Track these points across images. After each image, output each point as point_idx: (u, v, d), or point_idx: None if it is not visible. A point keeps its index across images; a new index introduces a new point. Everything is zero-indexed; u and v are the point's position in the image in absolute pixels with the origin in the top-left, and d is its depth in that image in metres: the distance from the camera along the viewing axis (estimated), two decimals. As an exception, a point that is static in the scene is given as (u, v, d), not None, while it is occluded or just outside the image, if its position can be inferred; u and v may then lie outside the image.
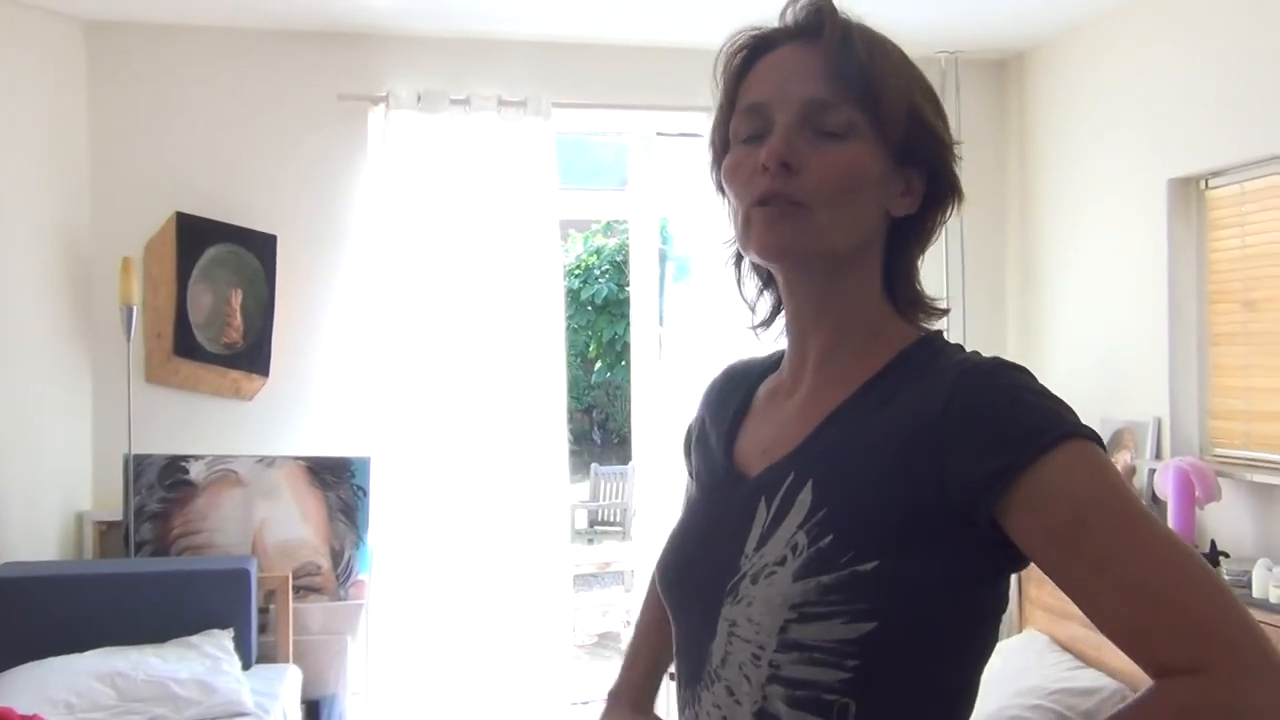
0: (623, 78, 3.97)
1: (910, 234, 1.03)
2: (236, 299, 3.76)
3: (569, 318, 8.91)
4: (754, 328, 1.12)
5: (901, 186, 1.00)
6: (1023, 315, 4.14)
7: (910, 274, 1.05)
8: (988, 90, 4.19)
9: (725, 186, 1.02)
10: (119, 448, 3.55)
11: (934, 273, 4.23)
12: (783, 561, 0.92)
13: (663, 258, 4.30)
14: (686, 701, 1.02)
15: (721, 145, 1.04)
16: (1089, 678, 3.05)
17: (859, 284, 1.01)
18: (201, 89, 3.77)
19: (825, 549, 0.90)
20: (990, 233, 4.20)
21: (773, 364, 1.11)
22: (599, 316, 10.66)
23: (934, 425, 0.90)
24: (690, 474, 1.17)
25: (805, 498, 0.94)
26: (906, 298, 1.04)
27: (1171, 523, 3.00)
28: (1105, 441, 3.70)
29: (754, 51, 1.01)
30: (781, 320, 1.08)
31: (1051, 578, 0.87)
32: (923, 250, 1.05)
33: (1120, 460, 3.44)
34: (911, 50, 1.01)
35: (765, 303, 1.11)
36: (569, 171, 4.52)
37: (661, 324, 4.26)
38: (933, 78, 4.57)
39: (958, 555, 0.90)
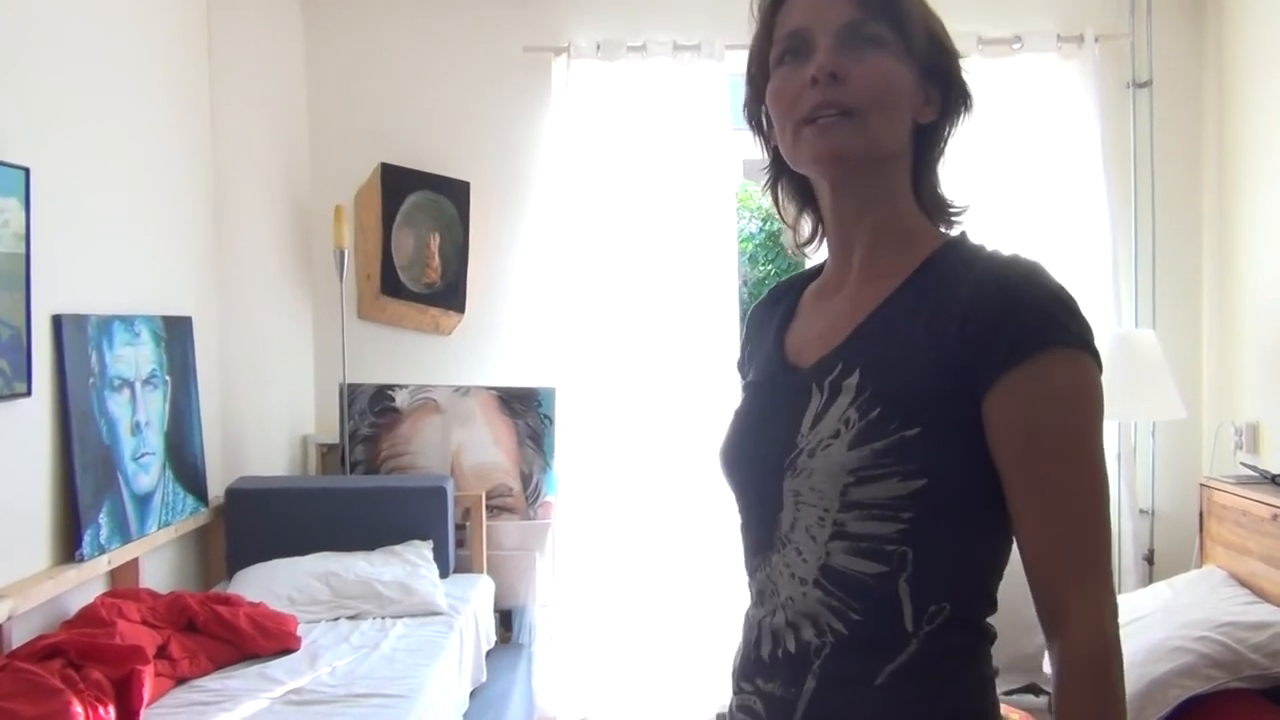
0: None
1: (929, 141, 1.14)
2: (435, 242, 4.09)
3: (771, 261, 8.96)
4: (799, 247, 1.24)
5: (923, 97, 1.11)
6: (1219, 251, 3.94)
7: (933, 178, 1.15)
8: (1183, 12, 3.99)
9: (770, 110, 1.13)
10: (335, 378, 3.95)
11: (1123, 207, 4.01)
12: (836, 435, 1.04)
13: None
14: (756, 566, 1.14)
15: (761, 76, 1.15)
16: (1263, 612, 2.95)
17: (895, 188, 1.13)
18: (402, 50, 4.10)
19: (875, 420, 1.02)
20: (1184, 172, 4.00)
21: (813, 274, 1.23)
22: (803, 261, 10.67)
23: (959, 320, 1.02)
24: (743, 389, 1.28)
25: (853, 381, 1.05)
26: (931, 200, 1.16)
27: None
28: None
29: None
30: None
31: (1001, 473, 1.02)
32: (940, 156, 1.16)
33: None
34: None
35: (806, 224, 1.23)
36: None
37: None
38: (1122, 6, 4.31)
39: (979, 434, 1.02)
